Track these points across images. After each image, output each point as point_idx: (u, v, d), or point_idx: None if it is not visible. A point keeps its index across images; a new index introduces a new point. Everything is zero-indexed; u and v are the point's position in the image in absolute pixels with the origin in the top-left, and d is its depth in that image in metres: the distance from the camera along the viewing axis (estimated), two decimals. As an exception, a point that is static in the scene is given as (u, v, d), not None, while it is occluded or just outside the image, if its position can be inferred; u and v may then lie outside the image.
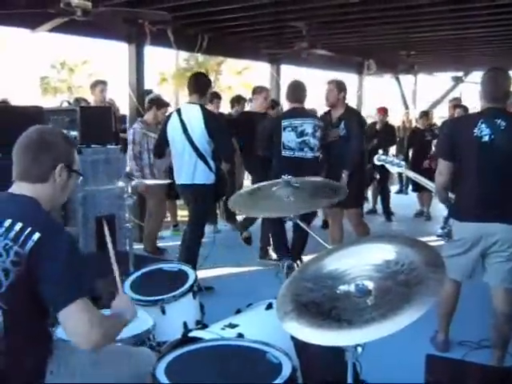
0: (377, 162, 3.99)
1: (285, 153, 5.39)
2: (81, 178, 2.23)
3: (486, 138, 3.34)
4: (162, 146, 5.35)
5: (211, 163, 5.06)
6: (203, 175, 5.03)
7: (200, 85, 5.18)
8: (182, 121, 5.02)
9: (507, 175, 3.40)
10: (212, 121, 5.05)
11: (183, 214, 7.62)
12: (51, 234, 1.92)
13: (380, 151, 4.15)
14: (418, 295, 1.67)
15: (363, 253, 1.96)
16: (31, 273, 1.87)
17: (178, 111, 5.16)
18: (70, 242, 1.97)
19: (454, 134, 3.54)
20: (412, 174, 3.97)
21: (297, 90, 5.58)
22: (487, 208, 3.40)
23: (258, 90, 6.62)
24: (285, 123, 5.40)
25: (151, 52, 7.61)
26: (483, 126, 3.37)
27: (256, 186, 3.04)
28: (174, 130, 5.09)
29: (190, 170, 5.02)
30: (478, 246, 3.47)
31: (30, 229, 1.88)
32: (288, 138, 5.37)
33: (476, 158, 3.41)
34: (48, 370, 2.02)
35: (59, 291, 1.89)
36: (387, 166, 3.92)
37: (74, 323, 1.91)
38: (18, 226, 1.90)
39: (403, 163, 3.87)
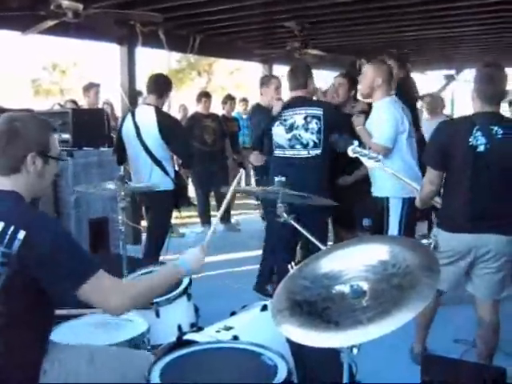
0: (351, 154, 3.51)
1: (276, 152, 4.61)
2: (60, 161, 2.14)
3: (482, 148, 3.10)
4: (119, 151, 5.04)
5: (168, 168, 4.74)
6: (159, 181, 4.62)
7: (158, 85, 4.82)
8: (135, 124, 4.71)
9: (503, 186, 3.18)
10: (167, 124, 4.71)
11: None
12: (37, 228, 1.86)
13: (356, 142, 3.64)
14: (409, 300, 1.62)
15: (363, 253, 1.91)
16: (25, 271, 1.83)
17: (133, 113, 4.83)
18: (59, 231, 1.93)
19: (447, 142, 3.25)
20: (390, 171, 3.58)
21: (293, 76, 4.59)
22: (481, 220, 3.18)
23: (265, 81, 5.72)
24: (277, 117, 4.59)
25: (143, 53, 7.59)
26: (478, 134, 3.11)
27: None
28: (127, 133, 4.81)
29: (145, 175, 4.72)
30: (468, 257, 3.26)
31: (13, 227, 1.83)
32: (278, 133, 4.55)
33: (471, 168, 3.15)
34: (42, 370, 1.99)
35: (65, 280, 1.88)
36: (362, 159, 3.52)
37: (92, 300, 1.93)
38: (0, 225, 1.85)
39: (381, 157, 3.54)
